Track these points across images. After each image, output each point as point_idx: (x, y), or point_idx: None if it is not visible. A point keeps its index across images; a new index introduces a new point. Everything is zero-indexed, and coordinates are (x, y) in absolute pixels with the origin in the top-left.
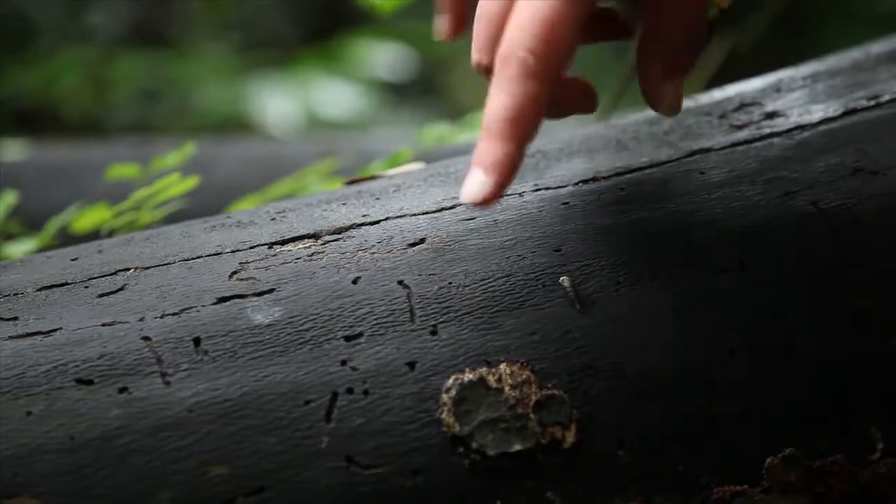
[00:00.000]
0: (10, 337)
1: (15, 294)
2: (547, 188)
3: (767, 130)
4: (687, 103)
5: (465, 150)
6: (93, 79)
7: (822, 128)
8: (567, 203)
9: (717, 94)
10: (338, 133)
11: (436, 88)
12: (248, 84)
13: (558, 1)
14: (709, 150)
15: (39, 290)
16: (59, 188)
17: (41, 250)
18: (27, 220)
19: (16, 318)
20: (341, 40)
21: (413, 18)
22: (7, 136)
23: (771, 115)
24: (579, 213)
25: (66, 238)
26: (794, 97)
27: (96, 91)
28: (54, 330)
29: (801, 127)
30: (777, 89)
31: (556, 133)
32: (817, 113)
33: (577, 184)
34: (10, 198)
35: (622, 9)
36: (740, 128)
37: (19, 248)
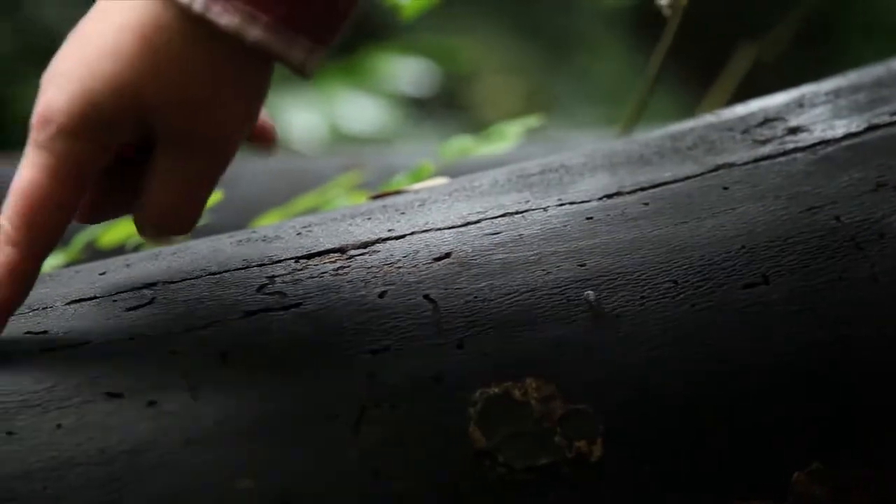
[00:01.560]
0: (40, 351)
1: (44, 308)
2: (571, 203)
3: (791, 146)
4: (710, 118)
5: (489, 164)
6: None
7: (846, 143)
8: (591, 217)
9: (740, 109)
10: (361, 147)
11: (458, 103)
12: (271, 98)
13: (41, 180)
14: (732, 165)
15: (68, 303)
16: None
17: (69, 264)
18: None
19: (46, 332)
20: (365, 55)
21: (435, 32)
22: None
23: (794, 131)
24: (603, 227)
25: (94, 252)
26: (817, 112)
27: None
28: (83, 343)
29: (825, 142)
30: (800, 104)
31: (579, 147)
32: (840, 128)
33: (601, 198)
34: None
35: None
36: (763, 143)
37: (48, 263)
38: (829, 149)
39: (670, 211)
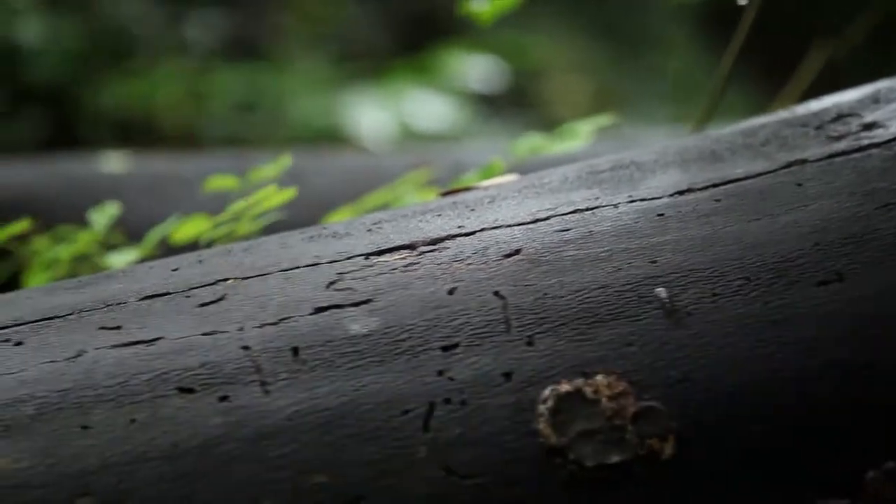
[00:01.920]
0: (114, 345)
1: (118, 304)
2: (642, 199)
3: (866, 142)
4: (783, 114)
5: (559, 162)
6: (189, 91)
7: None
8: (662, 214)
9: (814, 104)
10: (431, 144)
11: (528, 100)
12: (341, 96)
13: None
14: (805, 161)
15: (142, 299)
16: (159, 199)
17: (143, 261)
18: (129, 230)
19: (119, 328)
20: (434, 52)
21: (505, 29)
22: (108, 148)
23: (869, 126)
24: (675, 224)
25: (167, 249)
26: (892, 108)
27: (193, 103)
28: (157, 339)
29: None
30: (875, 100)
31: (650, 144)
32: None
33: (672, 195)
34: (112, 209)
35: None
36: (838, 139)
37: (122, 259)
38: None
39: (742, 207)
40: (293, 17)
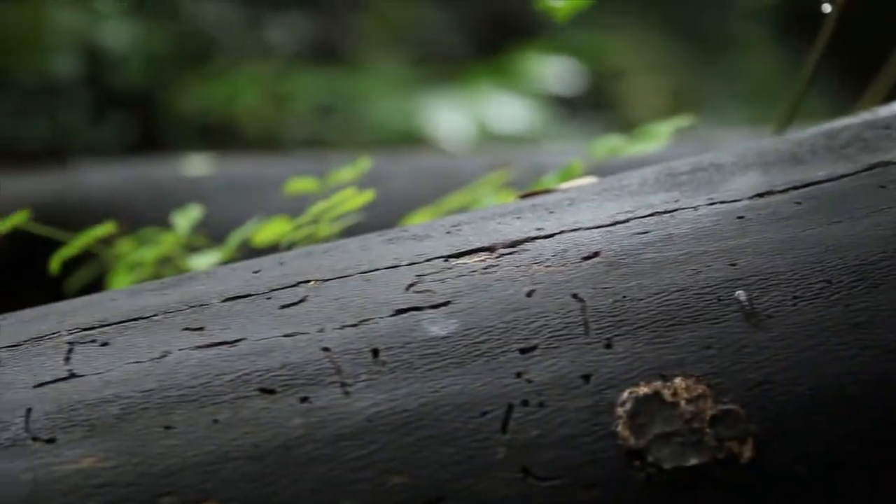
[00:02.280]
0: (197, 346)
1: (201, 305)
2: (722, 202)
3: None
4: (866, 116)
5: (639, 164)
6: (270, 94)
7: None
8: (742, 217)
9: None
10: (509, 146)
11: (606, 101)
12: (419, 98)
13: None
14: (888, 163)
15: (224, 301)
16: (240, 202)
17: (225, 262)
18: (211, 233)
19: (202, 329)
20: (511, 54)
21: (583, 31)
22: (191, 152)
23: None
24: (755, 226)
25: (248, 250)
26: None
27: (274, 106)
28: (239, 340)
29: None
30: None
31: (729, 146)
32: None
33: (752, 197)
34: (195, 212)
35: None
36: None
37: (204, 261)
38: None
39: (824, 210)
40: (372, 21)
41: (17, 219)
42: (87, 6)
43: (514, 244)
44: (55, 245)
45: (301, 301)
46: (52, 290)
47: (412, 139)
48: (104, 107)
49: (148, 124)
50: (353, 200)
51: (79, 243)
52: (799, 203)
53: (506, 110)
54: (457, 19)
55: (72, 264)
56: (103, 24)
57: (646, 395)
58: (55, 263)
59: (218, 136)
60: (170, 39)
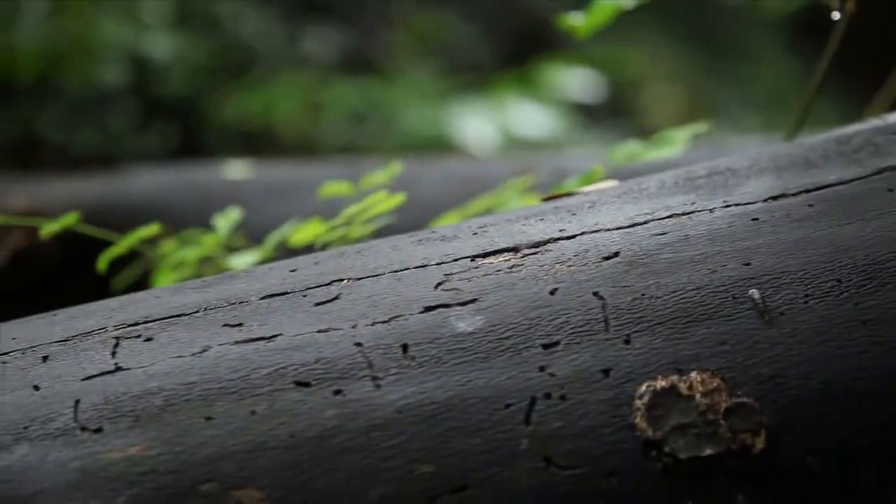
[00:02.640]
0: (236, 342)
1: (240, 302)
2: (736, 204)
3: None
4: (875, 122)
5: (657, 168)
6: (307, 103)
7: None
8: (756, 219)
9: None
10: (533, 152)
11: (624, 109)
12: (448, 106)
13: None
14: None
15: (262, 298)
16: (278, 204)
17: (263, 262)
18: (250, 234)
19: (241, 325)
20: (535, 65)
21: (603, 43)
22: (231, 157)
23: None
24: (768, 228)
25: (285, 251)
26: None
27: (310, 114)
28: (275, 336)
29: None
30: None
31: (744, 151)
32: None
33: (766, 200)
34: (234, 214)
35: None
36: None
37: (243, 260)
38: None
39: (835, 212)
40: (403, 34)
41: (67, 220)
42: (133, 19)
43: (537, 245)
44: (103, 245)
45: (335, 299)
46: (99, 288)
47: (441, 145)
48: (149, 115)
49: (190, 131)
50: (384, 203)
51: (125, 244)
52: (811, 205)
53: (530, 118)
54: (484, 32)
55: (118, 264)
56: (148, 36)
57: (663, 389)
58: (103, 263)
59: (257, 142)
60: (211, 51)
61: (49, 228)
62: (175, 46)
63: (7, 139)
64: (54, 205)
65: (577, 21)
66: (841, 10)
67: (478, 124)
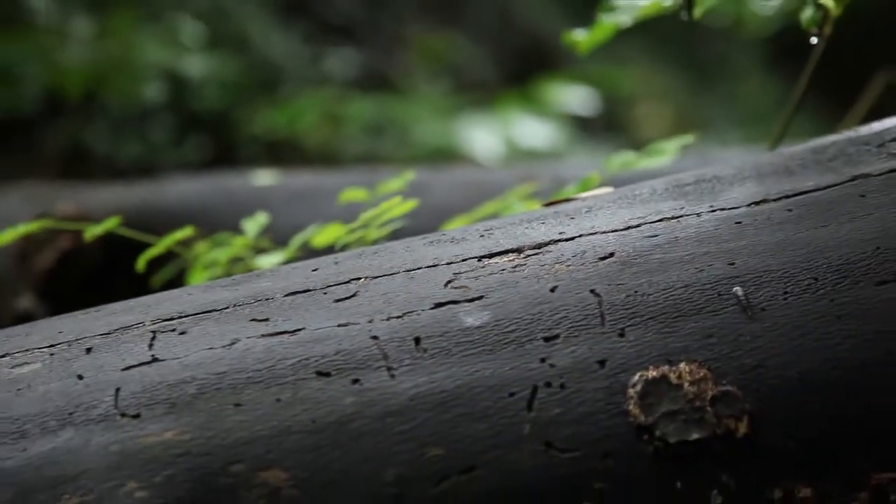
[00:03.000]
0: (263, 335)
1: (266, 299)
2: (722, 209)
3: None
4: (848, 134)
5: (648, 176)
6: (329, 116)
7: None
8: (740, 222)
9: (877, 125)
10: (535, 161)
11: (618, 123)
12: (457, 120)
13: None
14: (868, 175)
15: (286, 295)
16: (301, 209)
17: (287, 262)
18: (276, 236)
19: (267, 320)
20: (536, 83)
21: (598, 62)
22: (259, 166)
23: None
24: (751, 230)
25: (308, 251)
26: None
27: (332, 127)
28: (298, 329)
29: None
30: None
31: (729, 160)
32: None
33: (749, 205)
34: (262, 218)
35: None
36: None
37: (269, 260)
38: None
39: (812, 216)
40: (416, 54)
41: (110, 224)
42: (171, 41)
43: (539, 246)
44: (142, 247)
45: (353, 295)
46: (138, 286)
47: (450, 155)
48: (186, 128)
49: (223, 143)
50: (398, 208)
51: (162, 245)
52: (790, 210)
53: (532, 130)
54: (489, 53)
55: (156, 263)
56: (185, 57)
57: (654, 378)
58: (141, 262)
59: (282, 152)
60: (242, 70)
61: (93, 231)
62: (209, 66)
63: (57, 151)
64: (99, 210)
65: (579, 37)
66: (819, 34)
67: (484, 136)
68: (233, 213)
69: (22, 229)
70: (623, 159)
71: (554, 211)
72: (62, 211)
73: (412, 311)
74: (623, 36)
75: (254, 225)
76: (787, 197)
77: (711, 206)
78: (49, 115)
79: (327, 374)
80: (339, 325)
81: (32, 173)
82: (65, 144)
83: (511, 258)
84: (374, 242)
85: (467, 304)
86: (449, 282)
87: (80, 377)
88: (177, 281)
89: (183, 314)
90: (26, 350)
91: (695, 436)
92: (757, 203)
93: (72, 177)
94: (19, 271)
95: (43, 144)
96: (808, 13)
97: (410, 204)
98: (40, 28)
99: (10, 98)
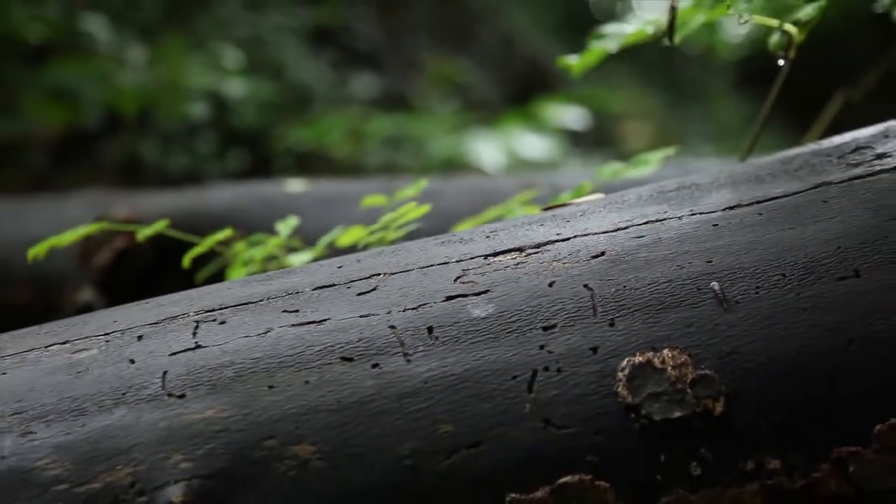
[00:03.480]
0: (293, 325)
1: (296, 292)
2: (700, 213)
3: (878, 168)
4: (812, 146)
5: (635, 184)
6: (353, 132)
7: None
8: (717, 225)
9: (837, 139)
10: (534, 170)
11: (606, 138)
12: (465, 135)
13: None
14: (830, 183)
15: (314, 289)
16: (328, 213)
17: (315, 260)
18: (305, 237)
19: (297, 311)
20: (535, 102)
21: (589, 85)
22: (291, 175)
23: (881, 156)
24: (726, 232)
25: (333, 250)
26: None
27: (355, 141)
28: (325, 320)
29: None
30: (885, 136)
31: (706, 170)
32: None
33: (724, 209)
34: (293, 221)
35: None
36: (856, 166)
37: (299, 258)
38: None
39: (780, 219)
40: (429, 78)
41: (159, 226)
42: (215, 66)
43: (538, 246)
44: (188, 246)
45: (373, 290)
46: (184, 281)
47: (460, 165)
48: (227, 142)
49: (259, 155)
50: (413, 212)
51: (205, 245)
52: (761, 214)
53: (531, 143)
54: (493, 77)
55: (200, 261)
56: (227, 80)
57: (640, 363)
58: (187, 260)
59: (312, 163)
60: (277, 91)
61: (144, 233)
62: (248, 88)
63: (114, 162)
64: (150, 214)
65: (572, 62)
66: (784, 57)
67: (489, 149)
68: (267, 216)
69: (83, 231)
70: (612, 169)
71: (551, 215)
72: (118, 215)
73: (426, 304)
74: (611, 61)
75: (286, 227)
76: (758, 202)
77: (691, 211)
78: (108, 130)
79: (350, 360)
80: (360, 316)
81: (93, 182)
82: (121, 156)
83: (513, 256)
84: (392, 243)
85: (474, 297)
86: (458, 277)
87: (132, 361)
88: (218, 276)
89: (223, 306)
90: (85, 337)
91: (677, 414)
92: (731, 208)
93: (127, 185)
94: (81, 268)
95: (102, 156)
96: (775, 38)
97: (424, 209)
98: (101, 55)
99: (74, 116)
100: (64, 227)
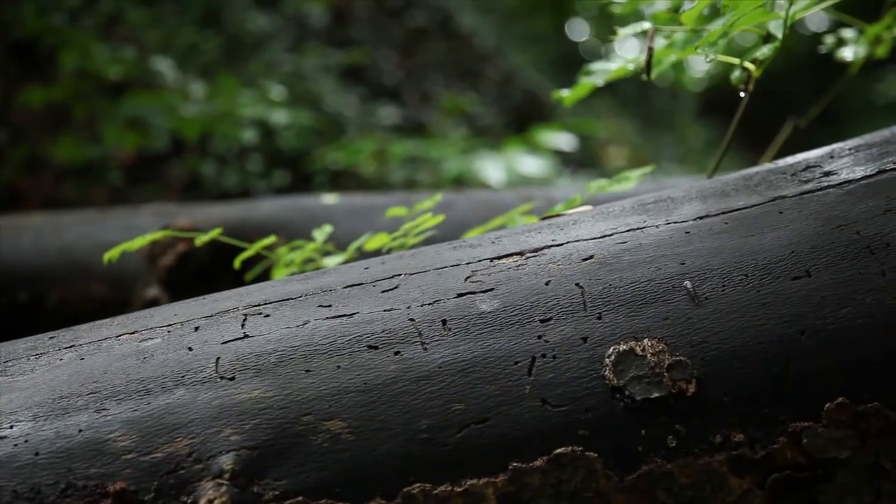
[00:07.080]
0: (327, 317)
1: (329, 290)
2: (675, 222)
3: (825, 184)
4: (769, 165)
5: (618, 197)
6: (378, 153)
7: (864, 182)
8: (689, 232)
9: (790, 159)
10: (532, 185)
11: (590, 159)
12: (473, 156)
13: None
14: (785, 196)
15: (345, 287)
16: (357, 222)
17: (346, 262)
18: (337, 242)
19: (330, 306)
20: (532, 129)
21: (577, 115)
22: (326, 190)
23: (828, 174)
24: (697, 238)
25: (361, 254)
26: (843, 161)
27: (380, 161)
28: (354, 313)
29: (849, 181)
30: (831, 156)
31: (679, 185)
32: (860, 172)
33: (695, 219)
34: (327, 228)
35: None
36: (806, 182)
37: (332, 261)
38: (852, 186)
39: (742, 228)
40: (443, 108)
41: (214, 233)
42: (263, 98)
43: (536, 250)
44: (239, 250)
45: (395, 288)
46: (235, 280)
47: (469, 181)
48: (272, 163)
49: (300, 173)
50: (430, 221)
51: (253, 249)
52: (726, 223)
53: (528, 163)
54: (497, 108)
55: (248, 263)
56: (273, 110)
57: (624, 351)
58: (237, 262)
59: (344, 180)
60: (315, 119)
61: (202, 239)
62: (290, 117)
63: (178, 179)
64: (207, 223)
65: (564, 94)
66: (744, 89)
67: (494, 167)
68: (306, 225)
69: (150, 237)
70: (598, 184)
71: (547, 223)
72: (180, 224)
73: (440, 300)
74: (595, 94)
75: (321, 234)
76: (724, 213)
77: (667, 220)
78: (173, 153)
79: (375, 347)
80: (384, 310)
81: (160, 196)
82: (184, 175)
83: (515, 259)
84: (412, 247)
85: (482, 294)
86: (468, 277)
87: (190, 349)
88: (264, 276)
89: (267, 301)
90: (150, 328)
91: (655, 394)
92: (701, 218)
93: (189, 199)
94: (149, 268)
95: (168, 175)
96: (736, 74)
97: (439, 218)
98: (168, 90)
99: (145, 140)
100: (135, 234)
